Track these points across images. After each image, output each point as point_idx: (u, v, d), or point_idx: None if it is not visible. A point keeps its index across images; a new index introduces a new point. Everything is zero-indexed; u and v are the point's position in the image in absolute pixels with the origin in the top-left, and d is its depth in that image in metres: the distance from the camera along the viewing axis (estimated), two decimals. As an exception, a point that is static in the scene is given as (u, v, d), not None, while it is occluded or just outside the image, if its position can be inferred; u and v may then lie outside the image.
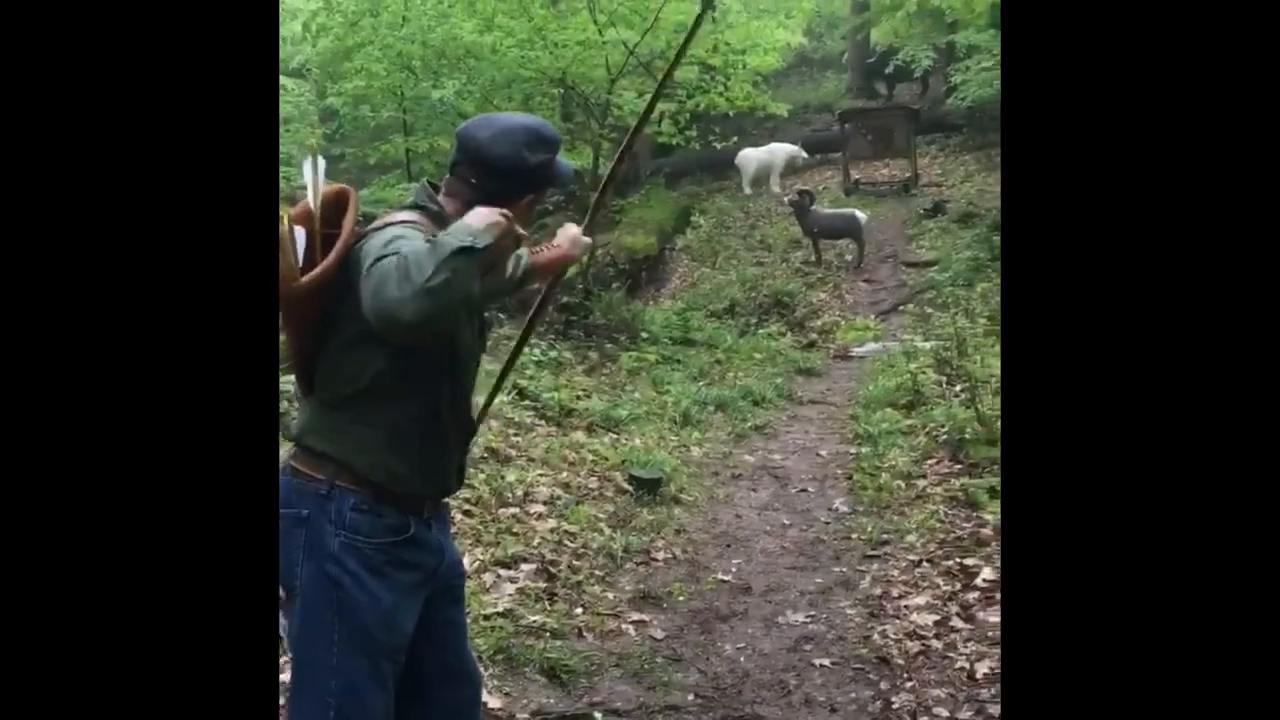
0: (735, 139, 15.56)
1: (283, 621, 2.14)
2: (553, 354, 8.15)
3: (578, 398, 7.07)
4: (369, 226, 2.09)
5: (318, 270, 1.99)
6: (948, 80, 16.48)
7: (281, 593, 2.10)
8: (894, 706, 3.38)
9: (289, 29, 14.87)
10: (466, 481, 4.91)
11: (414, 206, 2.15)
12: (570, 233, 2.42)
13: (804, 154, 16.36)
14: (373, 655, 2.08)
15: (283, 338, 2.12)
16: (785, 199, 13.86)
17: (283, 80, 13.98)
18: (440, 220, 2.09)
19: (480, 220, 1.89)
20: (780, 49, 13.88)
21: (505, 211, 1.97)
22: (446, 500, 2.30)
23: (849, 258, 12.98)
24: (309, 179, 2.07)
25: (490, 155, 2.12)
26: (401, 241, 1.91)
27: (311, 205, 2.07)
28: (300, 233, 2.03)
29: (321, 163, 2.08)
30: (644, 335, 9.55)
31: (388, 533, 2.08)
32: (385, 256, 1.86)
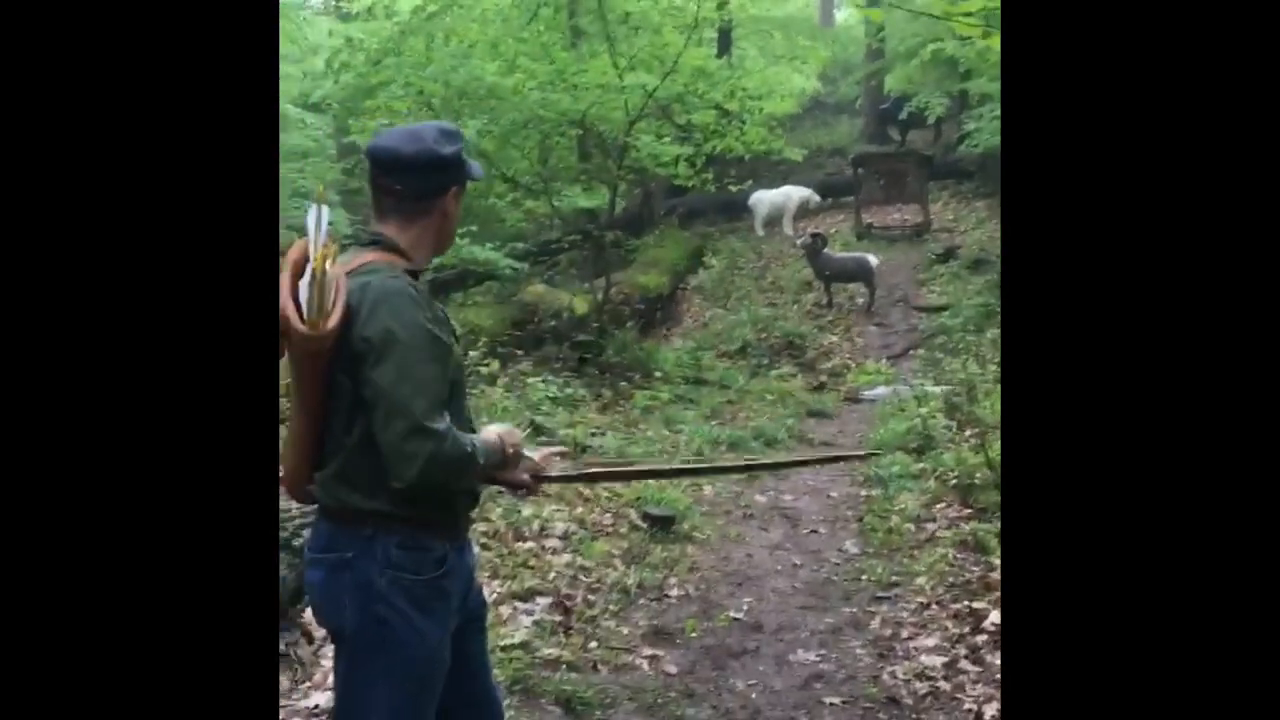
0: (750, 182, 15.73)
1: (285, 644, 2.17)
2: (568, 391, 8.26)
3: (592, 435, 7.17)
4: (349, 266, 2.14)
5: (334, 319, 2.04)
6: (960, 127, 16.65)
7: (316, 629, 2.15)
8: (903, 746, 3.45)
9: (311, 64, 15.13)
10: (484, 515, 5.00)
11: (371, 242, 2.23)
12: (546, 454, 2.53)
13: (817, 197, 16.53)
14: (418, 689, 2.17)
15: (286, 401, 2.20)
16: (798, 241, 13.98)
17: (303, 114, 14.22)
18: (396, 250, 2.20)
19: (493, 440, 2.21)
20: (796, 95, 14.10)
21: (514, 443, 2.26)
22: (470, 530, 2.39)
23: (860, 301, 13.08)
24: (311, 227, 2.10)
25: (406, 156, 2.19)
26: (414, 340, 2.06)
27: (310, 253, 2.08)
28: (301, 282, 2.06)
29: (326, 212, 2.13)
30: (657, 374, 9.64)
31: (433, 566, 2.16)
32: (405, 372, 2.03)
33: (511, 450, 2.26)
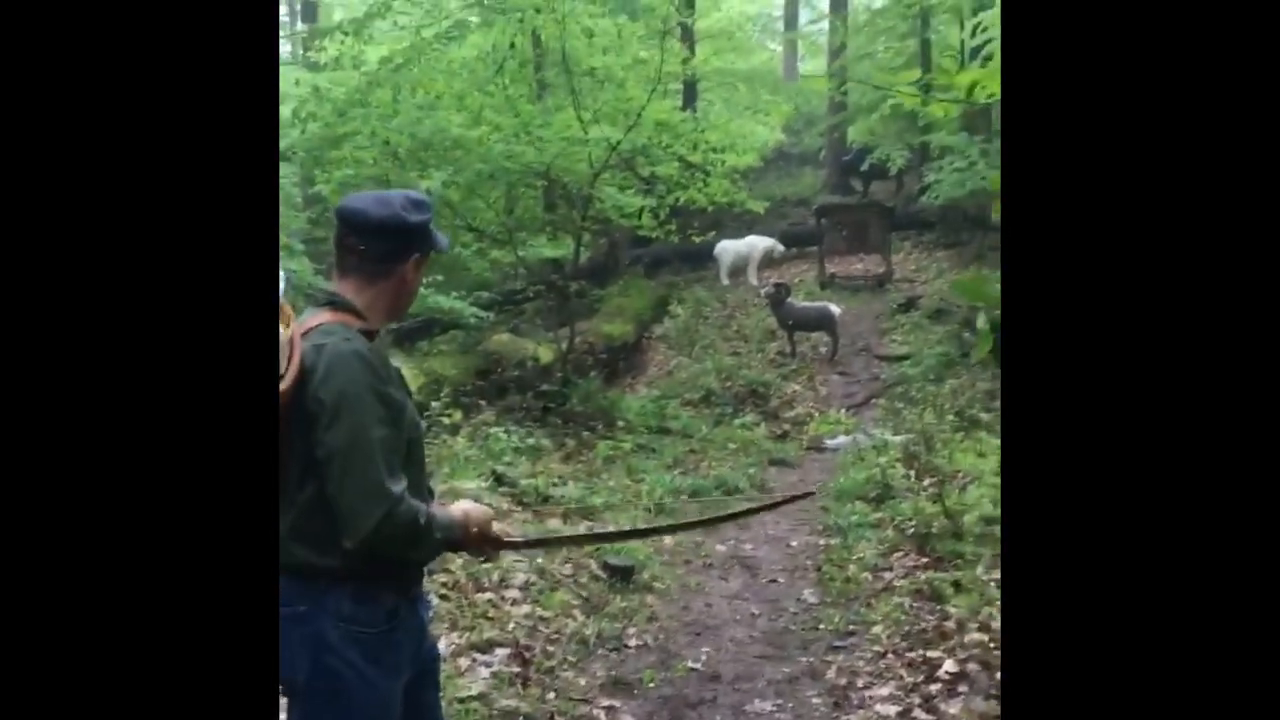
0: (714, 232, 15.92)
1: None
2: (530, 441, 8.30)
3: (554, 484, 7.20)
4: (304, 326, 2.21)
5: (287, 382, 2.09)
6: (921, 179, 16.94)
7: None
8: (856, 795, 3.49)
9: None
10: (445, 565, 5.02)
11: (326, 303, 2.30)
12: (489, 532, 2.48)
13: (781, 247, 16.73)
14: None
15: None
16: (762, 291, 14.14)
17: (269, 163, 14.25)
18: (351, 310, 2.27)
19: (457, 516, 2.30)
20: (759, 147, 14.31)
21: (479, 522, 2.34)
22: (424, 584, 2.44)
23: (823, 350, 13.22)
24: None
25: (373, 220, 2.27)
26: (363, 403, 2.12)
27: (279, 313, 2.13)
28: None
29: (283, 276, 2.15)
30: (620, 423, 9.70)
31: (385, 619, 2.20)
32: (357, 441, 2.09)
33: (475, 530, 2.32)
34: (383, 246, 2.30)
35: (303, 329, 2.19)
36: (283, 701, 2.23)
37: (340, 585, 2.17)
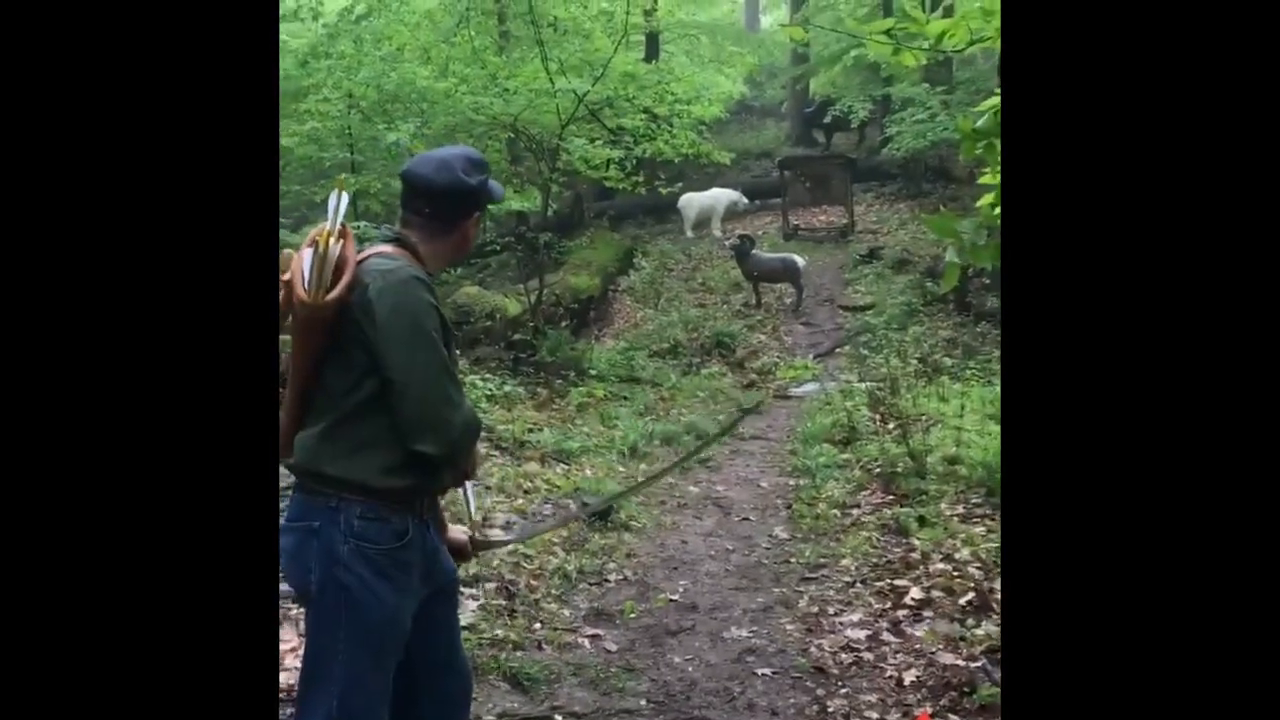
0: (679, 184, 16.01)
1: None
2: (505, 389, 8.43)
3: (530, 430, 7.36)
4: (364, 254, 2.38)
5: (335, 293, 2.25)
6: (883, 131, 17.11)
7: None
8: (829, 711, 3.69)
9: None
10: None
11: (392, 240, 2.46)
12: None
13: (745, 199, 16.88)
14: (376, 649, 2.33)
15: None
16: (726, 243, 14.31)
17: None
18: (414, 251, 2.42)
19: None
20: (723, 99, 14.36)
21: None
22: (440, 506, 2.58)
23: (788, 301, 13.41)
24: (330, 209, 2.32)
25: (437, 185, 2.44)
26: (429, 321, 2.30)
27: (330, 230, 2.30)
28: (306, 254, 2.28)
29: (345, 198, 2.34)
30: (591, 373, 9.86)
31: (392, 538, 2.33)
32: (427, 351, 2.28)
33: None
34: (445, 209, 2.47)
35: (365, 255, 2.36)
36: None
37: (350, 504, 2.30)
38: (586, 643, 4.28)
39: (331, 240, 2.27)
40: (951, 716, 3.55)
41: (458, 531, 2.73)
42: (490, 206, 2.70)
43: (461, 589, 4.50)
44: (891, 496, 6.22)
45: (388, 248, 2.42)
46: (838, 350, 11.72)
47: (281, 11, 16.53)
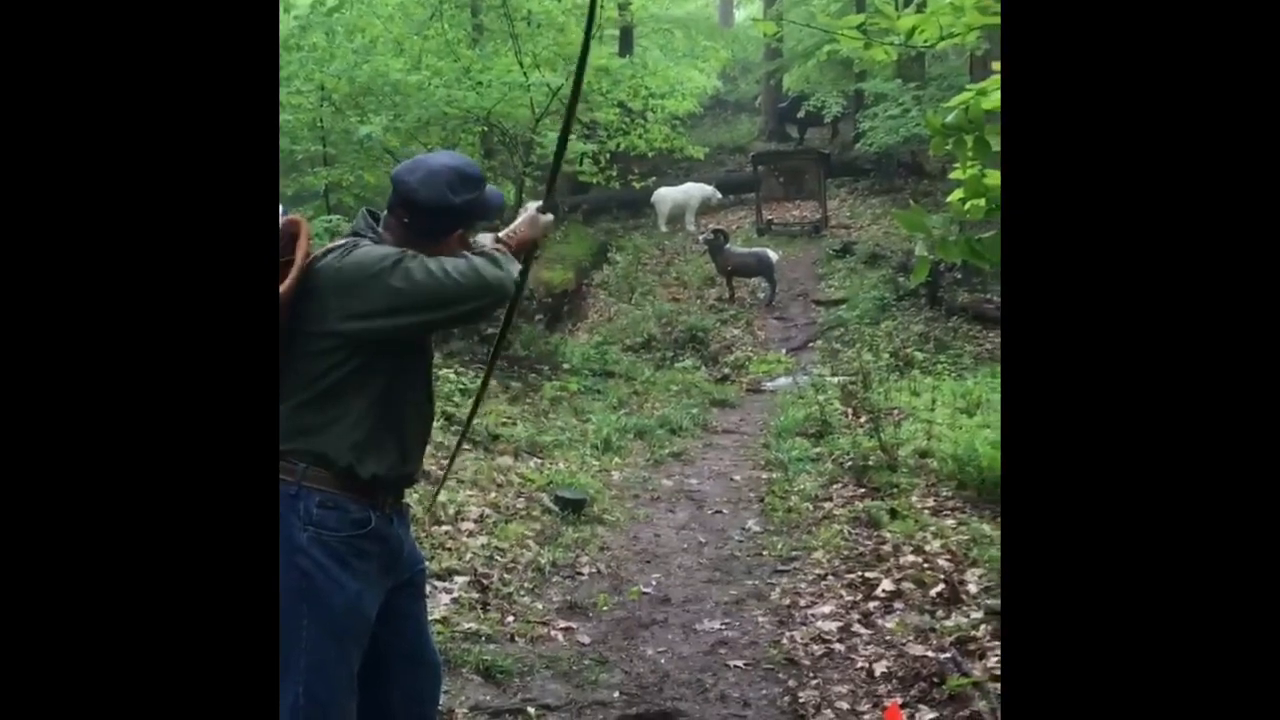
0: (653, 178, 16.02)
1: None
2: (478, 383, 8.41)
3: (503, 424, 7.36)
4: (324, 248, 2.39)
5: (285, 286, 2.25)
6: (856, 126, 17.19)
7: None
8: (801, 701, 3.72)
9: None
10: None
11: (361, 233, 2.45)
12: (529, 214, 2.70)
13: (718, 194, 16.91)
14: (339, 637, 2.33)
15: None
16: (700, 237, 14.32)
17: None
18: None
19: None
20: (697, 94, 14.36)
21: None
22: (405, 500, 2.56)
23: (761, 295, 13.46)
24: None
25: (419, 198, 2.40)
26: (392, 251, 2.31)
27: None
28: None
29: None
30: (565, 366, 9.86)
31: (351, 526, 2.33)
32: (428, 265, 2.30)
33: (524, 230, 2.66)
34: (425, 222, 2.42)
35: (339, 244, 2.38)
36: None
37: (310, 492, 2.30)
38: (559, 635, 4.29)
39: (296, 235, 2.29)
40: (921, 707, 3.59)
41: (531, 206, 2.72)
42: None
43: (435, 582, 4.52)
44: (863, 490, 6.27)
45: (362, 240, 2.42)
46: (810, 344, 11.77)
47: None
